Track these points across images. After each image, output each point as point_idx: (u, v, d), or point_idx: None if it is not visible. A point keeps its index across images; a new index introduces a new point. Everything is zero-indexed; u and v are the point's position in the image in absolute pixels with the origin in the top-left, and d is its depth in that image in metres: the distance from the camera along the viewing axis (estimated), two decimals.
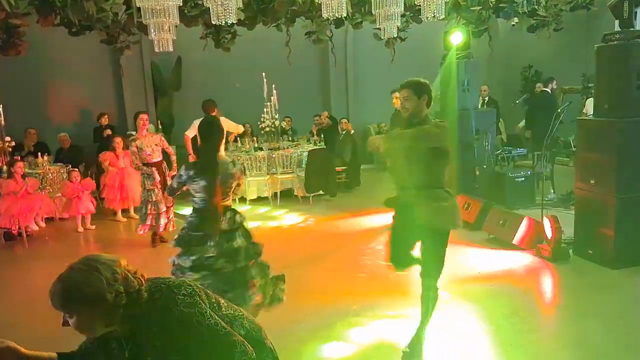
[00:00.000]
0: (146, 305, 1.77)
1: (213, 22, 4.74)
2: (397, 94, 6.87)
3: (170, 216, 6.76)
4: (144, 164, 6.49)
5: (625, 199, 4.97)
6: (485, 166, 7.84)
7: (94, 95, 10.58)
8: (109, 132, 9.46)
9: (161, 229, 6.68)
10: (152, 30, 5.29)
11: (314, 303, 4.69)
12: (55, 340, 4.25)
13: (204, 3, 4.38)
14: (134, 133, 9.67)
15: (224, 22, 4.59)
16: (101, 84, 10.72)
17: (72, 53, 10.05)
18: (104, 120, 9.60)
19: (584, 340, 3.84)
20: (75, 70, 10.42)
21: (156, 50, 5.86)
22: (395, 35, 6.99)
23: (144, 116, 6.66)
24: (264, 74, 8.90)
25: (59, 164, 8.68)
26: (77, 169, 8.04)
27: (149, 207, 6.56)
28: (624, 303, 4.41)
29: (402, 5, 5.63)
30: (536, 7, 8.30)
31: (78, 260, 1.74)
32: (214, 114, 7.34)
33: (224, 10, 4.42)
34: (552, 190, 8.05)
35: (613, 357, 3.57)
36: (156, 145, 6.69)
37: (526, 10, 8.20)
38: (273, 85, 8.94)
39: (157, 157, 6.68)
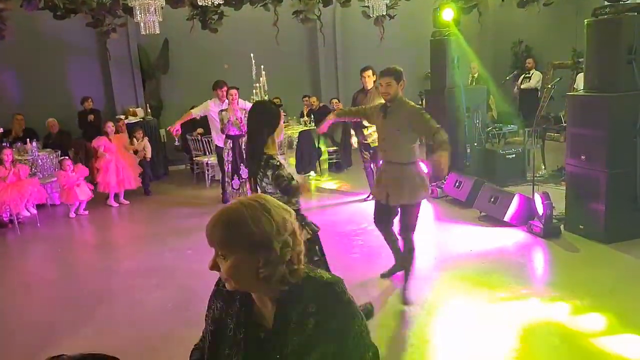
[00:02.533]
0: (307, 285, 1.46)
1: (200, 3, 4.63)
2: (368, 73, 6.85)
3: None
4: (227, 136, 7.08)
5: (615, 174, 5.00)
6: (476, 143, 7.85)
7: (80, 80, 10.41)
8: (91, 117, 9.35)
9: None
10: (138, 13, 5.18)
11: None
12: (50, 325, 4.29)
13: None
14: (122, 117, 9.59)
15: (210, 2, 4.50)
16: (88, 68, 10.54)
17: (57, 37, 9.86)
18: (88, 105, 9.48)
19: (574, 314, 3.89)
20: (61, 54, 10.23)
21: (142, 32, 5.77)
22: (384, 13, 6.90)
23: (233, 91, 7.20)
24: (252, 54, 8.78)
25: (48, 149, 8.58)
26: (67, 157, 7.95)
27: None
28: (615, 278, 4.46)
29: None
30: None
31: (249, 197, 1.46)
32: (223, 91, 7.35)
33: None
34: (543, 167, 8.09)
35: (604, 333, 3.61)
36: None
37: None
38: (262, 66, 8.83)
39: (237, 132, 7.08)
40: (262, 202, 1.42)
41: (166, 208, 7.68)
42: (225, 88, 7.43)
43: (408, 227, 4.18)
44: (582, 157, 5.25)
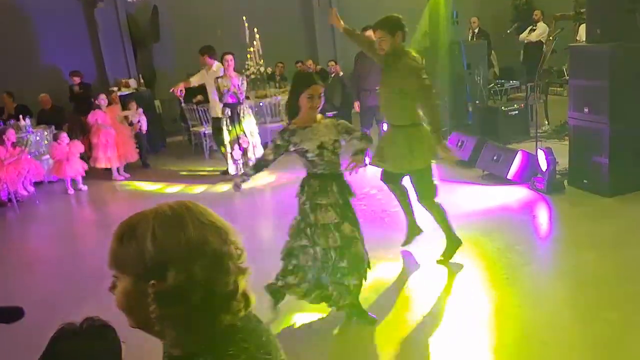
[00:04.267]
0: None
1: None
2: (369, 33, 6.65)
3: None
4: (225, 105, 6.84)
5: (619, 126, 4.89)
6: (477, 101, 7.69)
7: (70, 53, 10.17)
8: (77, 89, 9.14)
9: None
10: None
11: None
12: (54, 302, 4.29)
13: None
14: (114, 89, 9.41)
15: None
16: (77, 41, 10.28)
17: (44, 11, 9.59)
18: (76, 79, 9.26)
19: (579, 269, 3.87)
20: (49, 28, 9.96)
21: (129, 0, 5.55)
22: None
23: (229, 57, 6.84)
24: (244, 17, 8.54)
25: (42, 125, 8.46)
26: (62, 130, 7.83)
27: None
28: (618, 231, 4.42)
29: None
30: None
31: (174, 201, 1.06)
32: (211, 58, 7.15)
33: None
34: (546, 122, 7.95)
35: (606, 285, 3.60)
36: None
37: None
38: (255, 30, 8.60)
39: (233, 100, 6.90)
40: (180, 210, 1.02)
41: (166, 180, 7.62)
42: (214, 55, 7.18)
43: (424, 195, 3.88)
44: (585, 109, 5.12)
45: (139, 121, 8.27)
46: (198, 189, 6.99)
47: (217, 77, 6.83)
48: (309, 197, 3.22)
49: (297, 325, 3.52)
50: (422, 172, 3.83)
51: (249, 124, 7.02)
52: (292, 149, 3.22)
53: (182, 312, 0.98)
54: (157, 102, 9.97)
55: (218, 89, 6.77)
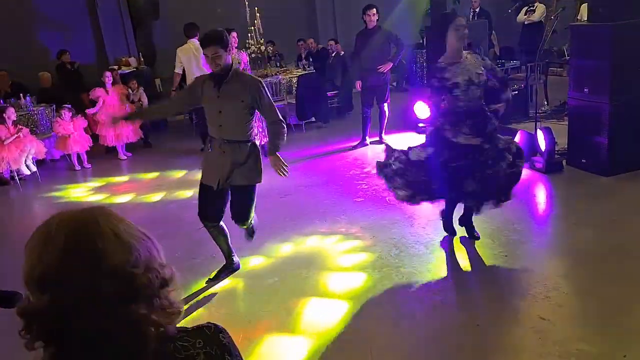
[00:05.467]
0: None
1: None
2: (373, 11, 6.73)
3: None
4: None
5: (619, 105, 4.94)
6: None
7: (69, 32, 10.09)
8: (68, 67, 9.03)
9: None
10: None
11: (312, 228, 4.77)
12: None
13: None
14: (115, 67, 9.37)
15: None
16: (76, 20, 10.19)
17: None
18: (66, 58, 9.18)
19: (576, 247, 3.96)
20: (47, 7, 9.87)
21: None
22: None
23: (234, 34, 6.77)
24: None
25: (43, 104, 8.43)
26: (67, 106, 7.82)
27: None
28: (616, 209, 4.49)
29: None
30: None
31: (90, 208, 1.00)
32: (195, 38, 7.11)
33: None
34: (545, 102, 7.97)
35: (602, 262, 3.68)
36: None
37: None
38: (255, 8, 8.54)
39: None
40: (89, 220, 0.94)
41: (168, 159, 7.65)
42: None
43: (245, 213, 3.75)
44: (585, 89, 5.16)
45: (139, 99, 8.28)
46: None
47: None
48: None
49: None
50: (252, 188, 3.74)
51: None
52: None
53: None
54: (157, 81, 9.94)
55: None
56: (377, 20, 6.83)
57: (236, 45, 6.96)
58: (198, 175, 3.96)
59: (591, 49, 5.06)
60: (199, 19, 7.77)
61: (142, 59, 10.12)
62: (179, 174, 6.96)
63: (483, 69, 3.66)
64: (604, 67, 4.92)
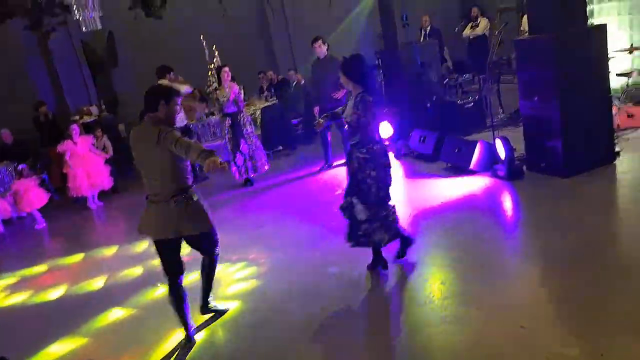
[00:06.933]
0: None
1: None
2: (318, 43, 7.10)
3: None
4: (223, 114, 7.08)
5: (567, 111, 5.20)
6: (434, 97, 7.99)
7: (28, 84, 10.04)
8: (43, 119, 8.96)
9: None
10: (76, 11, 5.01)
11: (291, 258, 4.84)
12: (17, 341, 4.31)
13: None
14: (76, 117, 9.34)
15: None
16: (34, 72, 10.14)
17: None
18: (42, 109, 9.17)
19: (546, 250, 4.12)
20: (4, 61, 9.80)
21: (83, 30, 5.59)
22: None
23: (226, 69, 7.14)
24: (201, 35, 8.62)
25: (5, 161, 8.31)
26: (25, 164, 7.76)
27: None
28: (578, 209, 4.70)
29: None
30: None
31: None
32: (165, 80, 7.20)
33: None
34: (501, 111, 8.32)
35: (573, 264, 3.83)
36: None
37: None
38: (214, 46, 8.69)
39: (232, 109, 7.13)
40: None
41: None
42: (172, 74, 7.27)
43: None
44: (535, 98, 5.43)
45: (104, 147, 8.28)
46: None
47: (215, 90, 7.01)
48: None
49: None
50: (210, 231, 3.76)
51: (249, 131, 7.33)
52: None
53: None
54: (121, 126, 9.93)
55: (216, 100, 6.97)
56: (327, 49, 7.09)
57: (229, 78, 7.20)
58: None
59: (535, 59, 5.34)
60: (158, 61, 7.87)
61: (104, 107, 10.12)
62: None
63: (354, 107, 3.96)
64: (549, 76, 5.20)
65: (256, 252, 5.15)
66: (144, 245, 5.69)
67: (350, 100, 4.09)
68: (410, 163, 7.15)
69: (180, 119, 6.53)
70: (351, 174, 4.09)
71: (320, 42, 7.06)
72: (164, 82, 6.84)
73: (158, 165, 3.47)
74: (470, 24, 10.80)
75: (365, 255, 4.26)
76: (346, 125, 4.20)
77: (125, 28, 9.80)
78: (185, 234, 3.58)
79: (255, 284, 4.52)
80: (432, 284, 3.96)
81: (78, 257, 6.03)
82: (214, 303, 4.09)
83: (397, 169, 7.09)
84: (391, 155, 7.26)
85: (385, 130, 7.81)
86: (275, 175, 7.73)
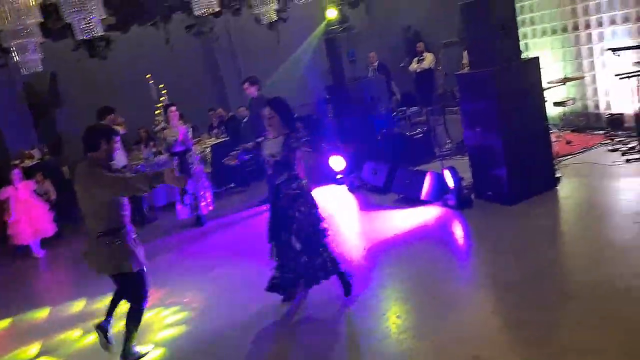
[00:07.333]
0: None
1: (78, 39, 4.45)
2: (245, 85, 7.21)
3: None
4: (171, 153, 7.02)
5: (509, 140, 5.39)
6: (384, 130, 8.15)
7: None
8: None
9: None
10: (15, 54, 4.88)
11: (243, 302, 4.71)
12: None
13: (64, 18, 4.05)
14: (17, 162, 8.95)
15: (90, 36, 4.32)
16: None
17: None
18: None
19: (497, 277, 4.20)
20: None
21: (23, 72, 5.43)
22: (276, 18, 6.97)
23: (173, 108, 7.08)
24: (148, 75, 8.56)
25: None
26: None
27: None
28: (524, 235, 4.83)
29: None
30: None
31: None
32: (107, 120, 7.03)
33: (88, 24, 4.14)
34: (448, 141, 8.56)
35: (523, 287, 3.91)
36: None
37: None
38: (161, 86, 8.63)
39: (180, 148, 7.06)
40: None
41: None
42: (112, 115, 7.12)
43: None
44: (478, 129, 5.62)
45: (46, 192, 7.96)
46: None
47: (163, 129, 6.92)
48: None
49: None
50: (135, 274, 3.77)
51: (198, 169, 7.27)
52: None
53: None
54: (65, 169, 9.58)
55: (164, 139, 6.84)
56: (258, 89, 7.21)
57: (177, 117, 7.10)
58: None
59: (476, 92, 5.57)
60: (103, 101, 7.70)
61: (46, 150, 9.76)
62: None
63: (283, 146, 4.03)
64: (489, 108, 5.41)
65: (192, 295, 5.01)
66: (84, 303, 5.40)
67: (272, 139, 4.11)
68: (363, 195, 7.21)
69: (120, 158, 6.37)
70: (280, 212, 4.07)
71: (247, 84, 7.28)
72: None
73: (91, 204, 3.62)
74: (416, 59, 11.21)
75: (320, 292, 4.20)
76: (268, 163, 4.11)
77: (68, 68, 9.58)
78: (107, 274, 3.71)
79: (183, 329, 4.40)
80: (389, 317, 3.93)
81: (5, 323, 5.50)
82: (135, 349, 3.93)
83: (350, 201, 7.14)
84: (344, 188, 7.50)
85: (338, 164, 7.90)
86: (227, 214, 7.61)
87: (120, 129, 6.57)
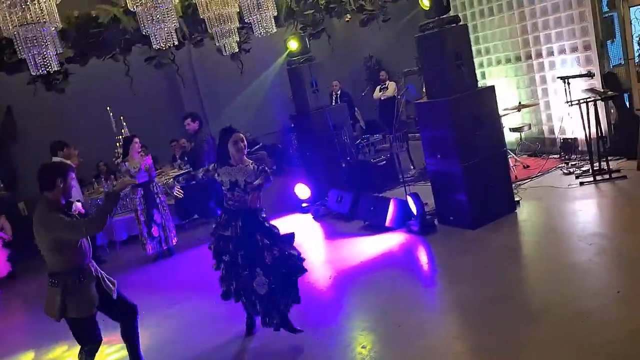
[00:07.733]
0: None
1: (33, 74, 4.36)
2: (187, 121, 7.28)
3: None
4: (135, 186, 6.81)
5: (468, 166, 5.52)
6: (348, 158, 8.22)
7: None
8: None
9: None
10: None
11: (217, 337, 4.59)
12: None
13: (19, 54, 3.95)
14: None
15: (46, 71, 4.24)
16: None
17: None
18: None
19: (460, 301, 4.24)
20: None
21: None
22: (238, 49, 7.01)
23: (137, 139, 6.98)
24: (108, 107, 8.44)
25: None
26: None
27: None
28: (486, 259, 4.91)
29: (237, 21, 5.65)
30: (363, 2, 8.85)
31: None
32: (61, 155, 6.83)
33: (43, 58, 4.06)
34: (412, 167, 8.71)
35: (485, 311, 3.96)
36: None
37: (354, 7, 8.70)
38: (122, 117, 8.50)
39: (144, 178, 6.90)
40: None
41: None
42: (65, 149, 6.89)
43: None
44: (438, 155, 5.74)
45: (2, 228, 7.64)
46: None
47: (124, 162, 6.83)
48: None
49: None
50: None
51: (162, 200, 7.12)
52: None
53: None
54: (21, 204, 9.26)
55: (127, 172, 6.73)
56: (200, 124, 7.33)
57: (139, 149, 7.01)
58: None
59: (434, 120, 5.71)
60: (61, 135, 7.52)
61: (2, 185, 9.42)
62: None
63: (252, 174, 4.00)
64: (448, 135, 5.55)
65: (148, 334, 4.73)
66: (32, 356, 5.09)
67: (238, 170, 4.04)
68: (328, 223, 7.21)
69: (75, 194, 6.19)
70: (250, 244, 3.96)
71: (188, 120, 7.32)
72: (56, 159, 6.52)
73: (45, 246, 3.53)
74: (379, 87, 11.45)
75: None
76: (230, 194, 4.04)
77: (25, 102, 9.33)
78: (55, 317, 3.54)
79: None
80: (354, 349, 3.89)
81: None
82: None
83: (316, 230, 7.12)
84: (310, 216, 7.48)
85: (303, 192, 7.90)
86: (193, 246, 7.45)
87: (74, 162, 6.38)
